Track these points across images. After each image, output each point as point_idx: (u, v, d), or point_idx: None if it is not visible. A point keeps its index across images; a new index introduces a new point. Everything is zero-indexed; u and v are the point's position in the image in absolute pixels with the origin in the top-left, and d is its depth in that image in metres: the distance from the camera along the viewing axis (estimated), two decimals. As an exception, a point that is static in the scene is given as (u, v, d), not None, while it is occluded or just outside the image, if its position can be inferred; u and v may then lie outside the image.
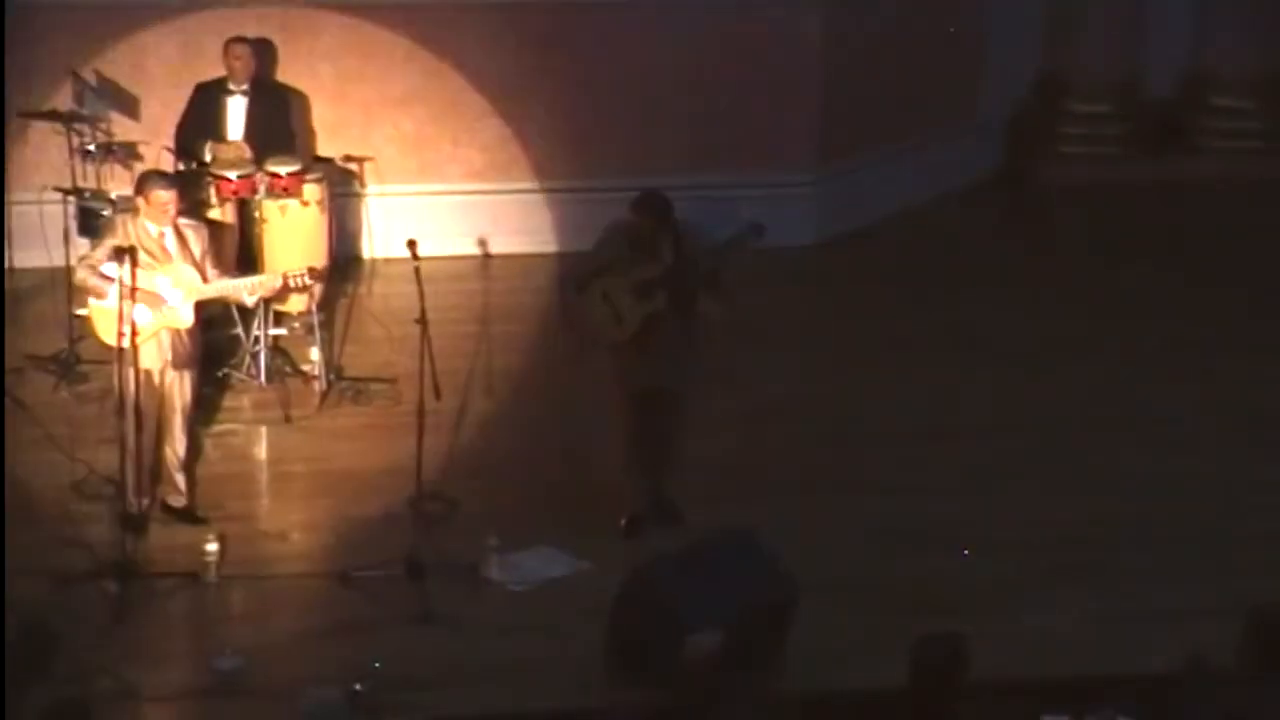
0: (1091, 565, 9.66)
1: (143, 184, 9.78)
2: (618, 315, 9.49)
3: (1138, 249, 13.63)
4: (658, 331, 9.49)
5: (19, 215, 11.90)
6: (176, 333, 9.61)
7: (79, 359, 10.99)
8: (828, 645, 8.78)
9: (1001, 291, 12.88)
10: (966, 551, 9.68)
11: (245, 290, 10.01)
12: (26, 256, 11.83)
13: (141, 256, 9.38)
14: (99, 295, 9.53)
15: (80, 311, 9.78)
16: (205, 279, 9.65)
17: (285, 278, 9.90)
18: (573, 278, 9.62)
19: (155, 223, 9.61)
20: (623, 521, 9.74)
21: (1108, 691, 8.24)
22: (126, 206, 10.72)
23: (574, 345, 9.67)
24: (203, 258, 9.69)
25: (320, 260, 11.25)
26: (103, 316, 9.53)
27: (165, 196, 9.62)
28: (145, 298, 9.38)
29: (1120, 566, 9.67)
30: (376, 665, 8.53)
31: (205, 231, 9.91)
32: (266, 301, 10.71)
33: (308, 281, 10.07)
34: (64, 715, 6.87)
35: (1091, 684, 8.55)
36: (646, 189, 9.68)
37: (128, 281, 9.10)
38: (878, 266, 13.17)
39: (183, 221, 9.77)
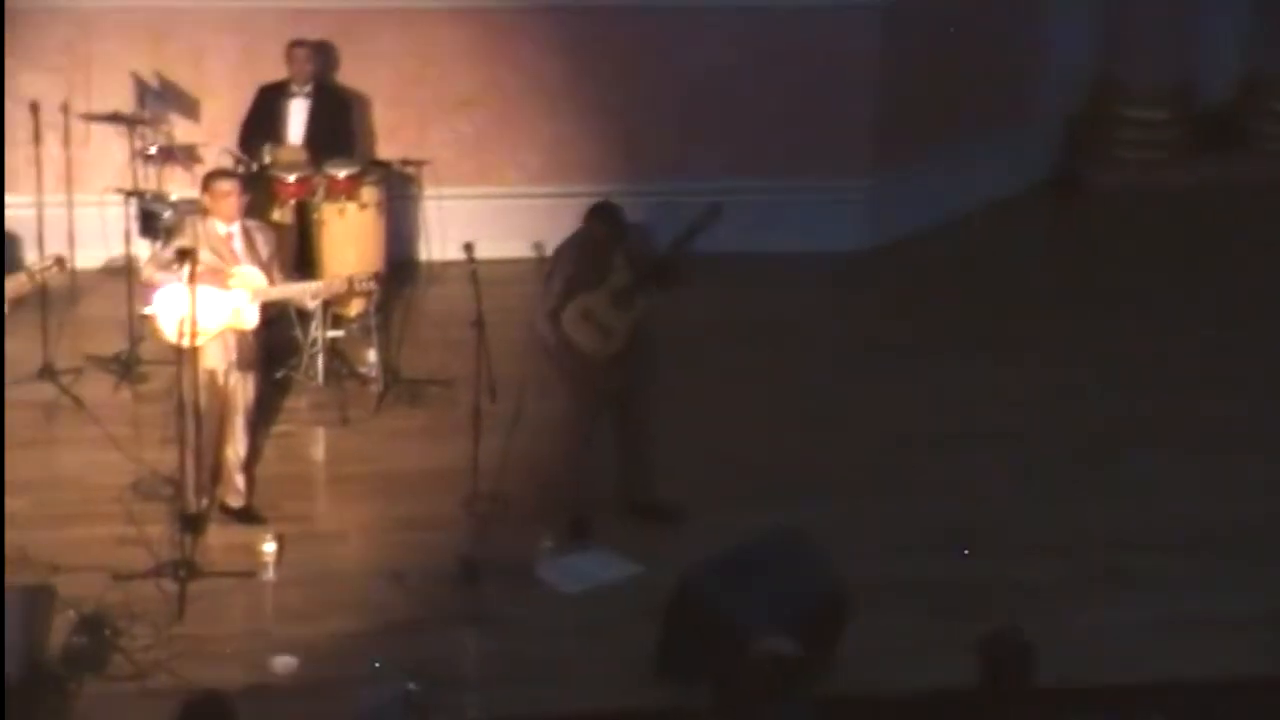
0: (1142, 570, 9.65)
1: (207, 181, 9.89)
2: (604, 330, 9.56)
3: (1194, 253, 13.59)
4: (639, 336, 9.57)
5: (81, 216, 12.01)
6: (241, 333, 9.67)
7: (140, 359, 11.09)
8: (880, 647, 8.81)
9: (1056, 296, 12.86)
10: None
11: (309, 293, 10.10)
12: (88, 257, 11.94)
13: (209, 257, 9.48)
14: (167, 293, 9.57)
15: (145, 310, 9.86)
16: (271, 281, 9.72)
17: (351, 282, 9.97)
18: (543, 312, 9.66)
19: (223, 222, 9.69)
20: (572, 523, 9.75)
21: (1156, 697, 8.26)
22: (187, 208, 10.84)
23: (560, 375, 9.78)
24: (269, 260, 9.75)
25: (377, 263, 11.36)
26: (168, 316, 9.59)
27: (227, 186, 9.71)
28: (211, 297, 9.45)
29: (1172, 572, 9.66)
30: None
31: (272, 234, 9.99)
32: (325, 304, 10.80)
33: (373, 286, 10.15)
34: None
35: (1140, 689, 8.58)
36: (601, 199, 9.80)
37: (190, 282, 9.16)
38: (933, 271, 13.16)
39: (250, 223, 9.85)
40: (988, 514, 10.10)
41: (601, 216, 9.62)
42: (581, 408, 9.73)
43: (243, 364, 9.73)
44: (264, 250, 9.76)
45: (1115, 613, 9.29)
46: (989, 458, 10.67)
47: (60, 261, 9.37)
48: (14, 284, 9.18)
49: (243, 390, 9.78)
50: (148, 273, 9.75)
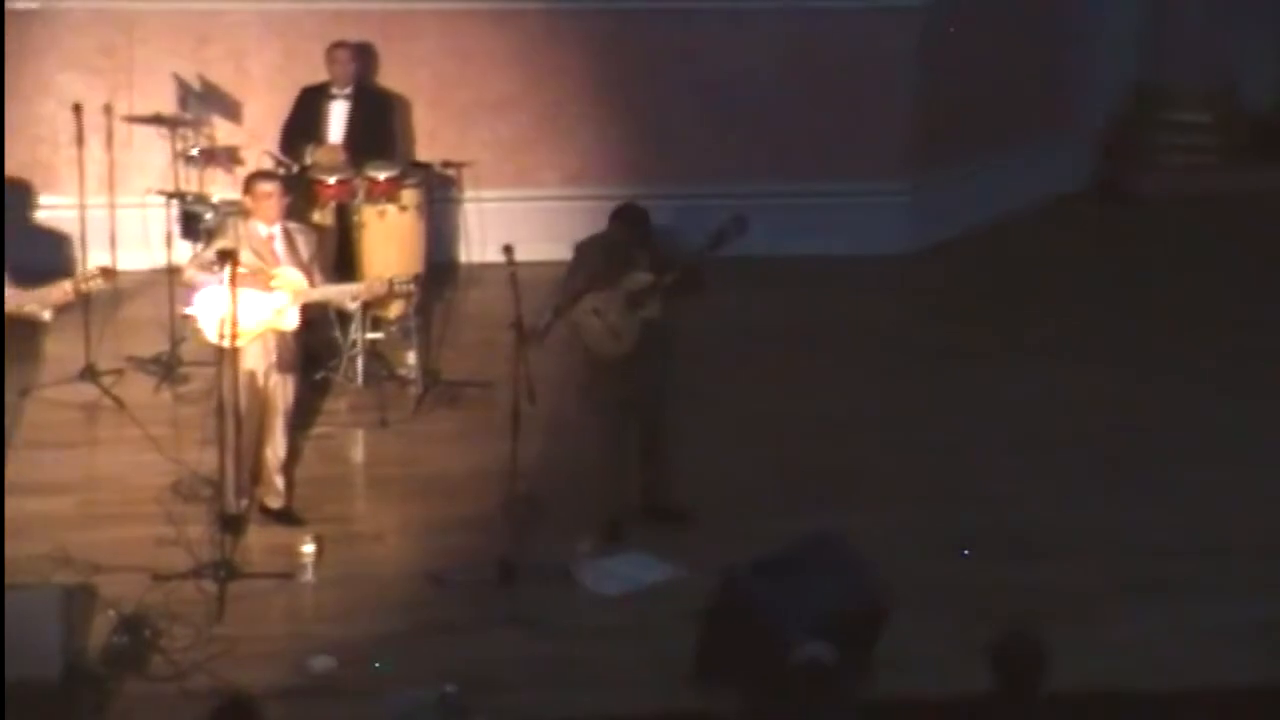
0: (1182, 577, 9.62)
1: (248, 182, 9.90)
2: (613, 329, 9.56)
3: (1236, 260, 13.54)
4: (651, 340, 9.57)
5: (123, 217, 12.07)
6: (281, 335, 9.69)
7: (180, 360, 11.14)
8: (918, 652, 8.80)
9: (1097, 301, 12.83)
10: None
11: (349, 296, 10.12)
12: (130, 258, 11.99)
13: (250, 258, 9.51)
14: (207, 294, 9.59)
15: (187, 311, 9.90)
16: (312, 283, 9.75)
17: (391, 284, 9.99)
18: (551, 304, 9.65)
19: (265, 223, 9.71)
20: (606, 527, 9.74)
21: (1192, 705, 8.23)
22: (229, 210, 10.88)
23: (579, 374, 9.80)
24: (310, 262, 9.77)
25: (417, 265, 11.38)
26: (208, 316, 9.61)
27: (268, 187, 9.72)
28: (252, 299, 9.49)
29: (1212, 579, 9.63)
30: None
31: (313, 236, 10.00)
32: (365, 305, 10.83)
33: (413, 289, 10.18)
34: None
35: (1176, 697, 8.55)
36: (626, 200, 9.78)
37: (231, 283, 9.19)
38: (972, 276, 13.15)
39: (291, 225, 9.86)
40: (1026, 519, 10.07)
41: (625, 218, 9.62)
42: (599, 408, 9.73)
43: (282, 365, 9.76)
44: (305, 252, 9.78)
45: (1154, 619, 9.26)
46: (1028, 462, 10.65)
47: (106, 272, 9.39)
48: (58, 292, 9.20)
49: (282, 392, 9.81)
50: (189, 274, 9.77)
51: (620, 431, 9.76)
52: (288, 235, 9.78)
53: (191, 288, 9.72)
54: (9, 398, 10.59)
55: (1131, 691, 8.63)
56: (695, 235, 9.79)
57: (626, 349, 9.60)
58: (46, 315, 9.30)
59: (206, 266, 9.54)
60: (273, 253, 9.70)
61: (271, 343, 9.70)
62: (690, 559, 9.49)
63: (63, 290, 9.16)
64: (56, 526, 9.57)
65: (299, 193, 11.10)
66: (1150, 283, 13.13)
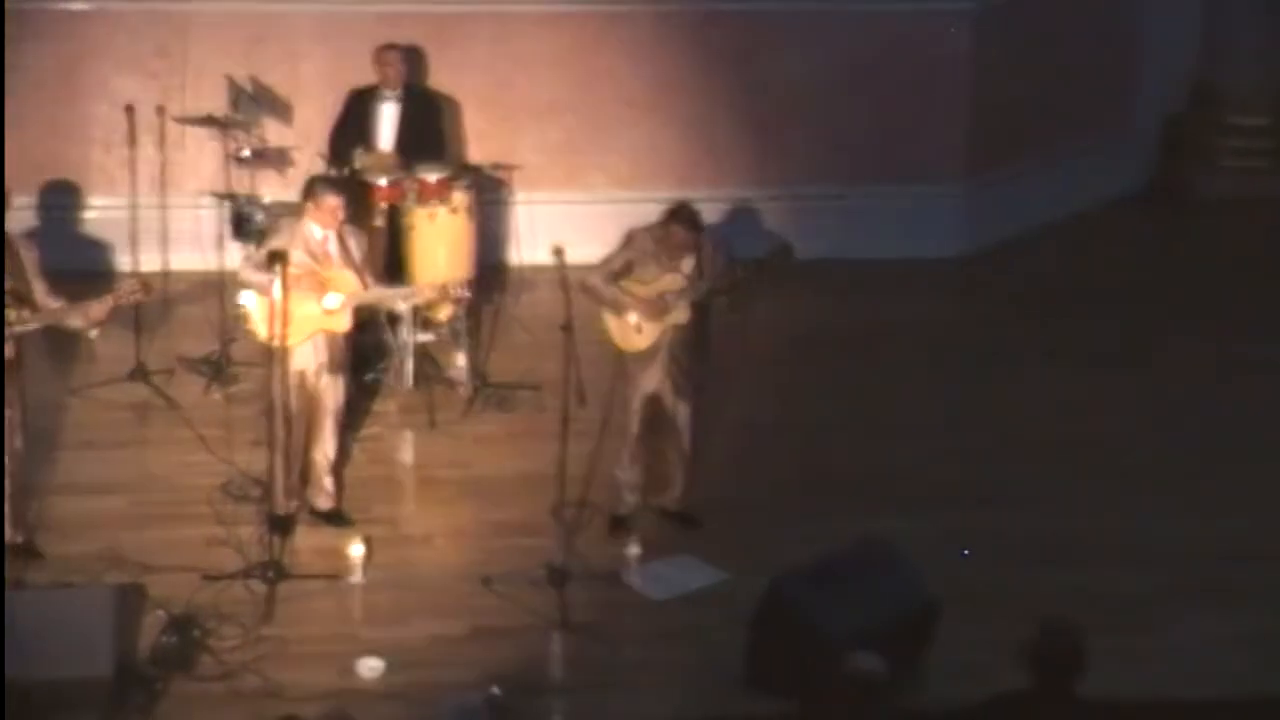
0: (1239, 583, 9.56)
1: (311, 188, 9.84)
2: (637, 324, 9.56)
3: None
4: (674, 341, 9.53)
5: (175, 219, 12.10)
6: (331, 336, 9.70)
7: (231, 361, 11.16)
8: (967, 659, 8.74)
9: (1153, 305, 12.75)
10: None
11: (401, 298, 10.13)
12: (182, 260, 12.02)
13: (305, 259, 9.51)
14: (261, 293, 9.59)
15: (240, 301, 9.88)
16: (364, 285, 9.75)
17: (444, 289, 9.97)
18: (600, 273, 9.63)
19: (321, 227, 9.71)
20: (609, 523, 9.78)
21: (1247, 713, 8.17)
22: (280, 211, 10.89)
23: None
24: (363, 264, 9.77)
25: (467, 266, 11.36)
26: (261, 315, 9.59)
27: (334, 201, 9.69)
28: (304, 300, 9.49)
29: (1269, 585, 9.55)
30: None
31: (364, 237, 9.99)
32: (415, 307, 10.83)
33: (466, 294, 10.17)
34: None
35: (1228, 705, 8.49)
36: (682, 201, 9.75)
37: (283, 284, 9.19)
38: (1026, 279, 13.08)
39: (344, 227, 9.84)
40: (1081, 524, 10.02)
41: (680, 219, 9.56)
42: (623, 403, 9.70)
43: (332, 366, 9.77)
44: (357, 254, 9.78)
45: (1196, 626, 9.22)
46: (1083, 466, 10.59)
47: (146, 286, 9.36)
48: (98, 306, 9.19)
49: (332, 392, 9.82)
50: (244, 274, 9.77)
51: (648, 423, 9.73)
52: (341, 238, 9.78)
53: (247, 286, 9.70)
54: (58, 397, 10.67)
55: (1174, 699, 8.58)
56: (743, 238, 9.77)
57: (644, 346, 9.59)
58: (94, 334, 9.31)
59: (260, 267, 9.54)
60: (327, 254, 9.70)
61: (322, 343, 9.70)
62: (739, 563, 9.46)
63: (103, 305, 9.16)
64: (107, 526, 9.61)
65: (355, 196, 11.12)
66: (1205, 286, 13.04)
